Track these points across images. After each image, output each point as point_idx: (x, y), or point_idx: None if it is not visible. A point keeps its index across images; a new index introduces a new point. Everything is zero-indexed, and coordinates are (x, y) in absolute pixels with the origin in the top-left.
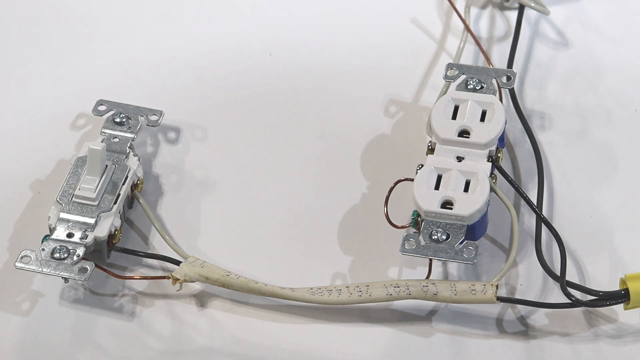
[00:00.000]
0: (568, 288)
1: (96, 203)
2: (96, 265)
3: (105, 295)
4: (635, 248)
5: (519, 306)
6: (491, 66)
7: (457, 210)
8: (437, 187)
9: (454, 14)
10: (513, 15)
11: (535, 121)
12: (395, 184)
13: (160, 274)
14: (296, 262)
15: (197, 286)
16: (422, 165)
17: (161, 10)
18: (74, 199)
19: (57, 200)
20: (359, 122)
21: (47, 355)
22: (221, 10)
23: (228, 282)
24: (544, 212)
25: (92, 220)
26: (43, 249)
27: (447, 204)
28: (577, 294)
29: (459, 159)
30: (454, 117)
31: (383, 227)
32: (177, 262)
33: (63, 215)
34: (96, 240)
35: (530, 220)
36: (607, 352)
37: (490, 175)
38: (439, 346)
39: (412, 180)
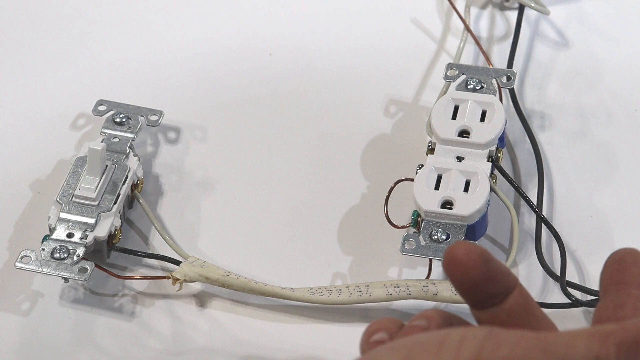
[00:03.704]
0: (568, 288)
1: (96, 203)
2: (96, 265)
3: (105, 295)
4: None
5: None
6: (491, 66)
7: (457, 210)
8: (437, 187)
9: (454, 14)
10: (513, 15)
11: (535, 121)
12: (395, 184)
13: (160, 274)
14: (296, 262)
15: (197, 286)
16: (422, 165)
17: (161, 11)
18: (74, 199)
19: (57, 200)
20: (359, 122)
21: (47, 355)
22: (221, 10)
23: (228, 282)
24: (544, 212)
25: (92, 220)
26: (43, 249)
27: (447, 204)
28: (577, 294)
29: (459, 159)
30: (454, 117)
31: (383, 227)
32: (177, 262)
33: (63, 215)
34: (96, 240)
35: (530, 220)
36: None
37: (490, 175)
38: None
39: (412, 180)
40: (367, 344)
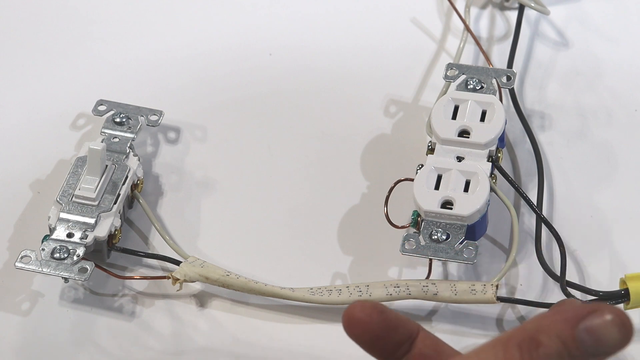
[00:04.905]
0: (568, 288)
1: (96, 203)
2: (96, 265)
3: (105, 295)
4: (635, 248)
5: (519, 306)
6: (491, 66)
7: (457, 210)
8: (437, 187)
9: (454, 14)
10: (513, 15)
11: (535, 121)
12: (395, 184)
13: (160, 274)
14: (296, 262)
15: (197, 286)
16: (422, 165)
17: (161, 11)
18: (74, 199)
19: (57, 200)
20: (359, 122)
21: (47, 355)
22: (221, 10)
23: (228, 282)
24: (544, 212)
25: (92, 220)
26: (43, 249)
27: (447, 204)
28: (577, 294)
29: (459, 159)
30: (454, 117)
31: (383, 227)
32: (177, 262)
33: (63, 215)
34: (96, 240)
35: (530, 220)
36: None
37: (490, 175)
38: None
39: (412, 180)
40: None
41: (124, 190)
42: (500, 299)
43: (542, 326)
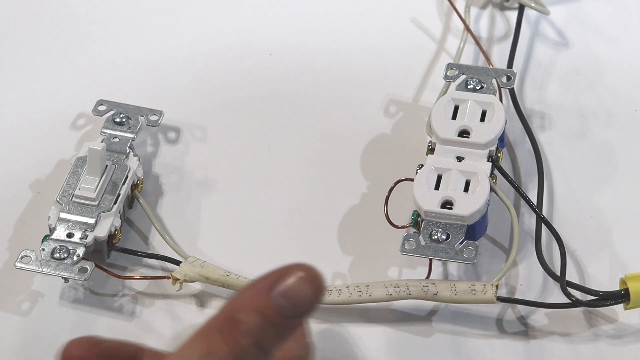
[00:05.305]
0: (568, 288)
1: (96, 203)
2: (96, 265)
3: (105, 295)
4: (635, 248)
5: (519, 306)
6: (491, 66)
7: (457, 210)
8: (437, 187)
9: (454, 14)
10: (513, 15)
11: (535, 121)
12: (395, 184)
13: (160, 274)
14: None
15: (197, 286)
16: (422, 165)
17: (161, 11)
18: (74, 199)
19: (57, 200)
20: (359, 122)
21: (47, 355)
22: (221, 10)
23: (228, 282)
24: (544, 212)
25: (92, 220)
26: (43, 249)
27: (447, 204)
28: (577, 294)
29: (459, 159)
30: (454, 117)
31: (383, 227)
32: (177, 262)
33: (63, 215)
34: (96, 240)
35: (530, 220)
36: (607, 352)
37: (490, 175)
38: (439, 346)
39: (412, 180)
40: None
41: (124, 190)
42: (500, 299)
43: (238, 304)
